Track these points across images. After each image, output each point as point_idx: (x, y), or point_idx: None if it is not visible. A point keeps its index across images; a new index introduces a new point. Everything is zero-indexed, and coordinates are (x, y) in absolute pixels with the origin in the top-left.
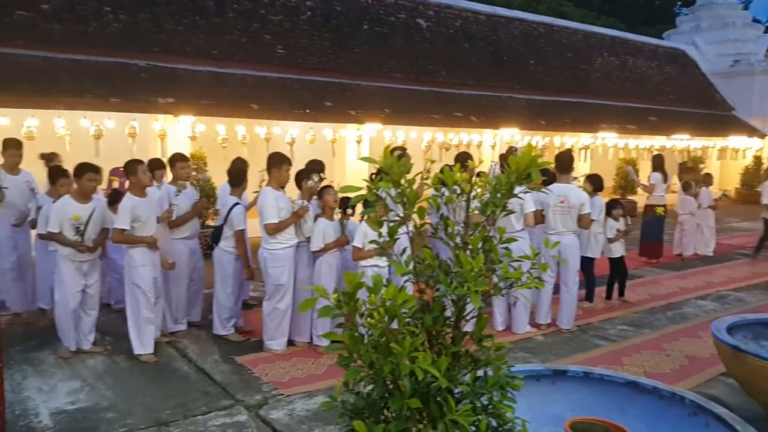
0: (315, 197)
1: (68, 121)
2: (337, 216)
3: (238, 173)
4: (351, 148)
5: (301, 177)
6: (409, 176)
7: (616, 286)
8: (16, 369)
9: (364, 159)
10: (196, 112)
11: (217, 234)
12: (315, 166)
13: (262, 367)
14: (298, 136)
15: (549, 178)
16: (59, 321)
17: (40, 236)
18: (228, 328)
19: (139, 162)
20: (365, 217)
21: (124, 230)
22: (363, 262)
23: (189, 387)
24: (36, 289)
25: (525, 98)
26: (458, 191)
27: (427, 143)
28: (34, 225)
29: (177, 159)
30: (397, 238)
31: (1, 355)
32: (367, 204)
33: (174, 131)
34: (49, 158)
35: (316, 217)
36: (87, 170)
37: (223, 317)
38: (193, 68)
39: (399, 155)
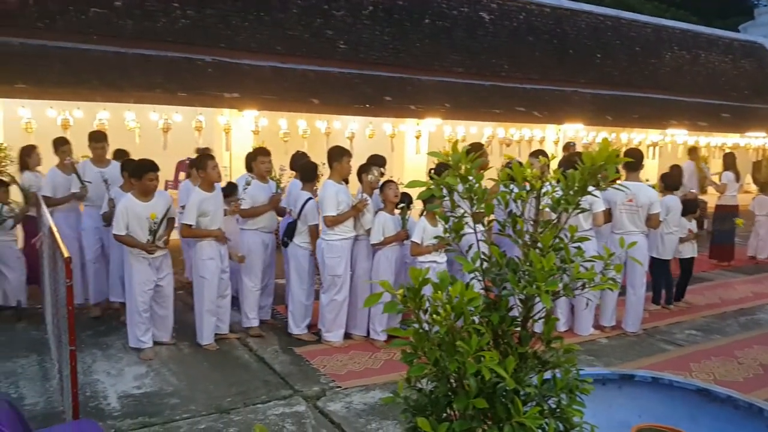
0: (377, 191)
1: (138, 115)
2: (398, 211)
3: (309, 168)
4: (410, 143)
5: (362, 171)
6: (479, 172)
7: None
8: (86, 353)
9: (432, 154)
10: (260, 107)
11: (290, 230)
12: (376, 161)
13: (320, 359)
14: (358, 131)
15: None
16: (131, 318)
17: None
18: (302, 327)
19: (210, 157)
20: (424, 213)
21: (191, 225)
22: (421, 258)
23: (249, 375)
24: (110, 282)
25: (590, 93)
26: (528, 188)
27: (488, 138)
28: (106, 219)
29: (258, 153)
30: (463, 234)
31: (74, 339)
32: (428, 200)
33: (238, 125)
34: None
35: (377, 211)
36: (148, 170)
37: (298, 314)
38: (256, 63)
39: (469, 149)
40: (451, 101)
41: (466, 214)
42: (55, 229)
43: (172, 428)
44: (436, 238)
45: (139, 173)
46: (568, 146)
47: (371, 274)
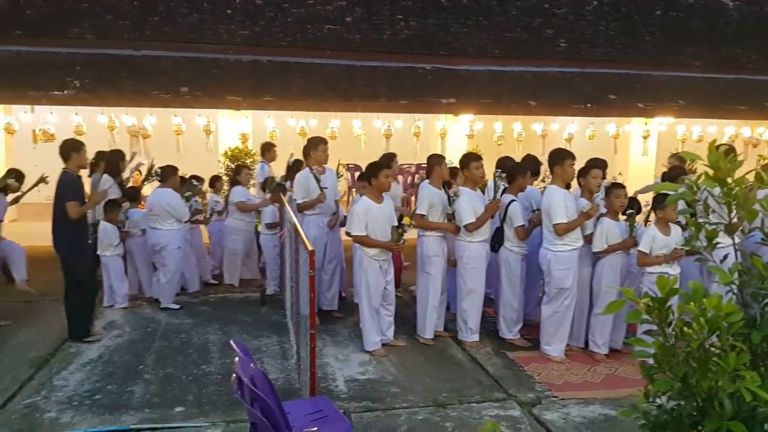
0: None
1: (364, 122)
2: (623, 217)
3: (511, 171)
4: (636, 144)
5: (581, 175)
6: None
7: None
8: (318, 338)
9: (686, 154)
10: (476, 111)
11: (499, 235)
12: (597, 164)
13: (535, 366)
14: (577, 132)
15: None
16: (366, 321)
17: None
18: (514, 332)
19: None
20: (654, 220)
21: (423, 215)
22: (650, 269)
23: (463, 374)
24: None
25: None
26: None
27: (730, 138)
28: (344, 223)
29: (471, 159)
30: (717, 243)
31: (314, 323)
32: (659, 207)
33: (453, 130)
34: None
35: (600, 216)
36: (384, 167)
37: (509, 319)
38: (473, 68)
39: (728, 150)
40: (685, 98)
41: (722, 221)
42: (298, 225)
43: (393, 415)
44: (684, 245)
45: (375, 172)
46: None
47: (593, 282)
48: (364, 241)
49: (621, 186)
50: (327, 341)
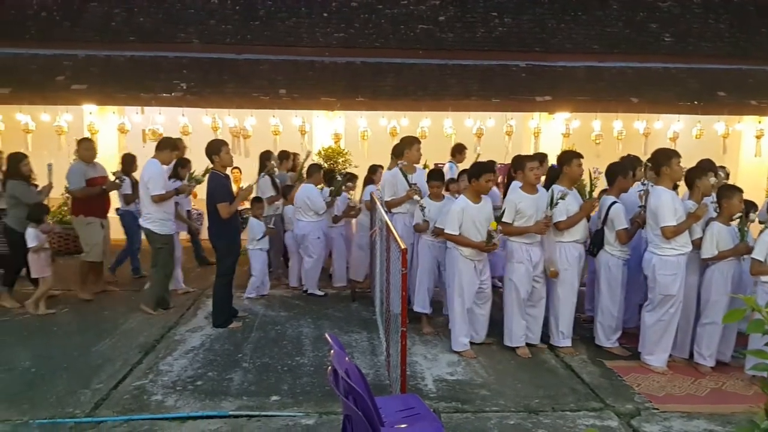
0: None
1: (455, 122)
2: (733, 222)
3: (613, 171)
4: (748, 144)
5: (692, 175)
6: None
7: None
8: (407, 336)
9: None
10: (572, 109)
11: (599, 238)
12: (709, 165)
13: (634, 377)
14: (683, 131)
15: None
16: (456, 321)
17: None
18: (613, 341)
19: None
20: None
21: (509, 224)
22: (764, 278)
23: (557, 381)
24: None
25: None
26: None
27: None
28: (419, 229)
29: (573, 156)
30: None
31: (405, 320)
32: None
33: (548, 128)
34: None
35: (710, 220)
36: (486, 170)
37: (607, 327)
38: (571, 64)
39: None
40: None
41: None
42: (390, 224)
43: (483, 418)
44: None
45: (477, 174)
46: None
47: (701, 290)
48: (457, 240)
49: (738, 189)
50: (416, 340)
